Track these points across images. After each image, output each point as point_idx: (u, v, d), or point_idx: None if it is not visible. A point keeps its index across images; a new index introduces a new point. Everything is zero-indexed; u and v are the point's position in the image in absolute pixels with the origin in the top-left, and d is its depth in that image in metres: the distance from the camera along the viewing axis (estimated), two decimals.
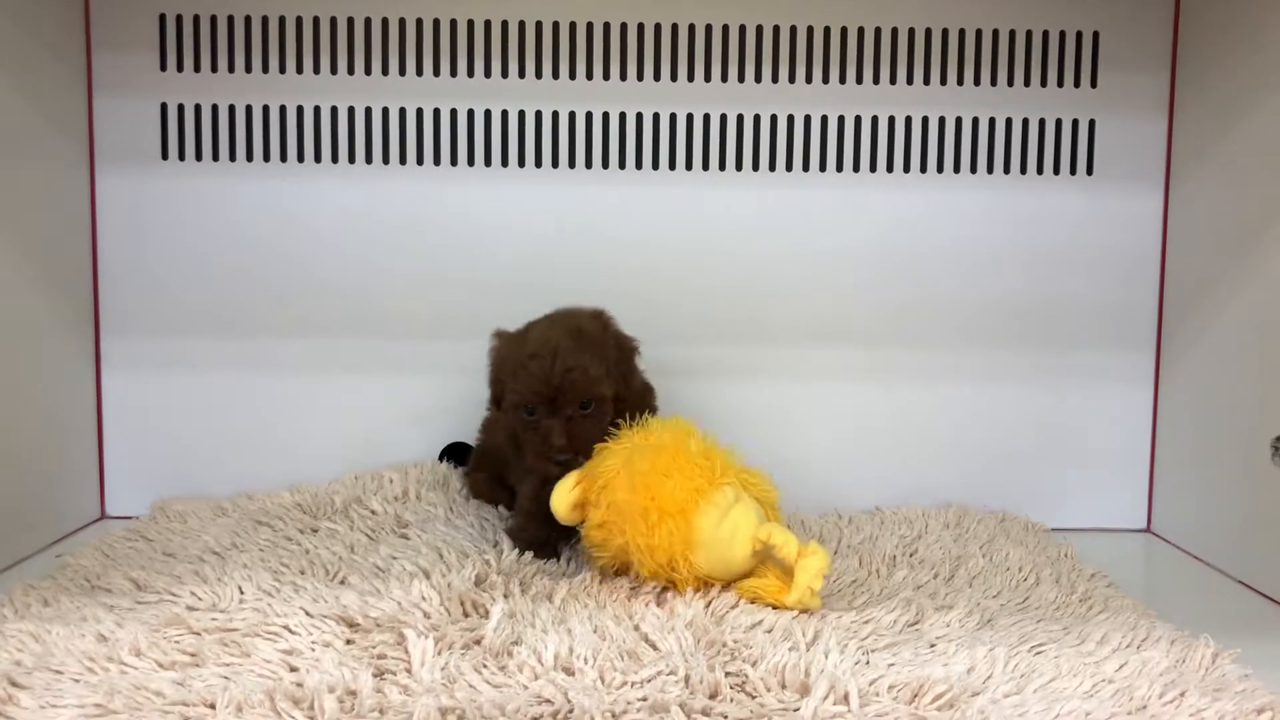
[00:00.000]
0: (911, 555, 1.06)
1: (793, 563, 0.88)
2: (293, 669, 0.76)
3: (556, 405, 0.96)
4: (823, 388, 1.24)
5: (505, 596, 0.89)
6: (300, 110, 1.19)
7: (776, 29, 1.19)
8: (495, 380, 1.02)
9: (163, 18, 1.18)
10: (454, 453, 1.23)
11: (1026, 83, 1.20)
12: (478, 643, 0.80)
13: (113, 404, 1.21)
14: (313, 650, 0.78)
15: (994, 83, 1.20)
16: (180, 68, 1.18)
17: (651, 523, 0.90)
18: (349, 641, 0.80)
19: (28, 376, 1.08)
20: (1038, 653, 0.81)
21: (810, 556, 0.88)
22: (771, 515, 0.95)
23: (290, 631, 0.80)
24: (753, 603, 0.90)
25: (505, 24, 1.19)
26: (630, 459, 0.93)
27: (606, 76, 1.19)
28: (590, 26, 1.19)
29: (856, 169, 1.21)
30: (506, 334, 1.03)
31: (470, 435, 1.21)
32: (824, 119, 1.20)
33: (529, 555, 0.99)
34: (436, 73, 1.19)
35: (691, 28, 1.19)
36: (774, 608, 0.89)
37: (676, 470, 0.91)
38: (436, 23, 1.19)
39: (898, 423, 1.24)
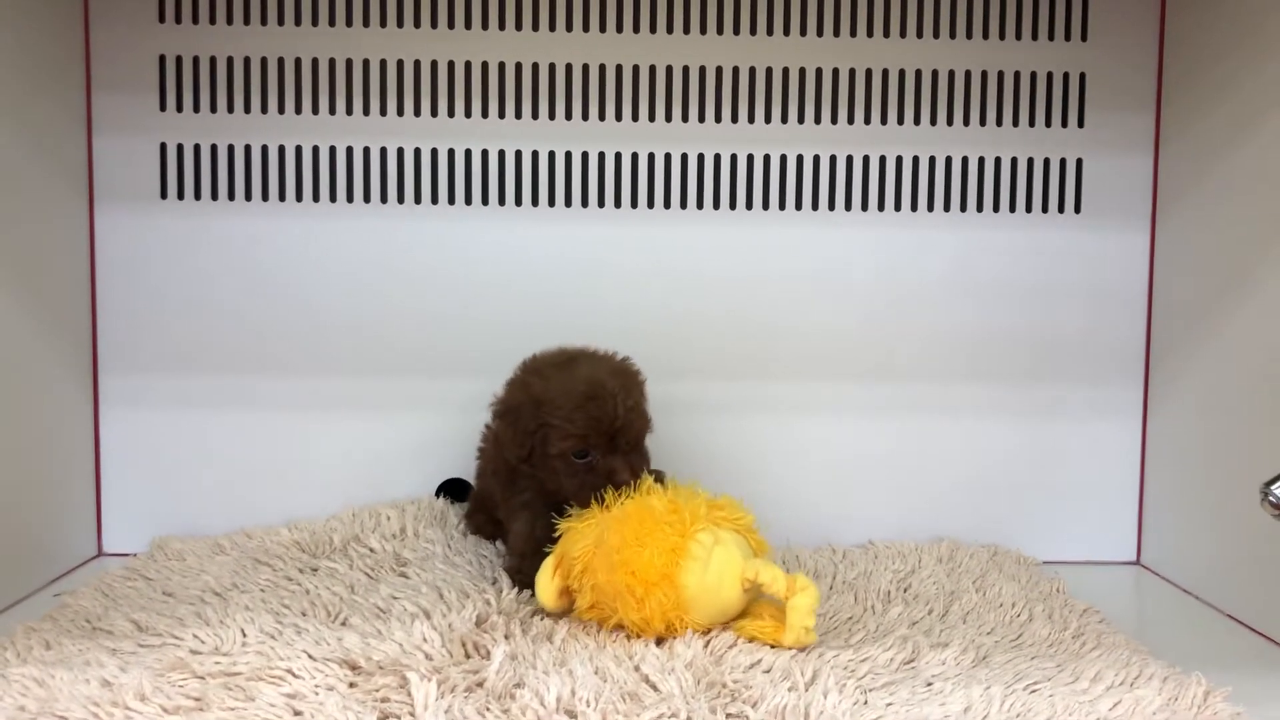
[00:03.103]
0: (905, 591, 1.07)
1: (783, 597, 0.89)
2: (296, 713, 0.76)
3: (615, 444, 0.97)
4: (814, 422, 1.25)
5: (506, 638, 0.89)
6: (299, 150, 1.20)
7: (770, 70, 1.21)
8: (535, 428, 0.98)
9: (162, 59, 1.19)
10: (451, 489, 1.23)
11: (1015, 123, 1.22)
12: (480, 685, 0.80)
13: (111, 441, 1.22)
14: (316, 694, 0.79)
15: (983, 123, 1.22)
16: (180, 108, 1.19)
17: (639, 597, 0.89)
18: (352, 685, 0.80)
19: (26, 414, 1.08)
20: (1033, 691, 0.82)
21: (800, 594, 0.89)
22: (751, 540, 0.96)
23: (294, 675, 0.81)
24: (750, 642, 0.90)
25: (502, 65, 1.20)
26: (601, 537, 0.93)
27: (603, 118, 1.21)
28: (586, 69, 1.21)
29: (849, 208, 1.22)
30: (533, 380, 1.01)
31: (466, 471, 1.21)
32: (816, 159, 1.22)
33: (528, 593, 0.99)
34: (434, 113, 1.21)
35: (689, 70, 1.21)
36: (772, 646, 0.89)
37: (647, 536, 0.91)
38: (434, 65, 1.20)
39: (889, 456, 1.25)
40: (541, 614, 0.96)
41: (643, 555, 0.90)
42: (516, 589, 1.00)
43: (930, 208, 1.23)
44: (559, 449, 0.97)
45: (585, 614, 0.94)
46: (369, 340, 1.22)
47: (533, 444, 0.99)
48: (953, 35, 1.21)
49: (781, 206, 1.22)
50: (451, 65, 1.20)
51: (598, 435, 0.96)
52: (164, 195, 1.20)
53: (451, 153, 1.21)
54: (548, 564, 0.96)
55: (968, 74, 1.21)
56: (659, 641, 0.90)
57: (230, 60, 1.19)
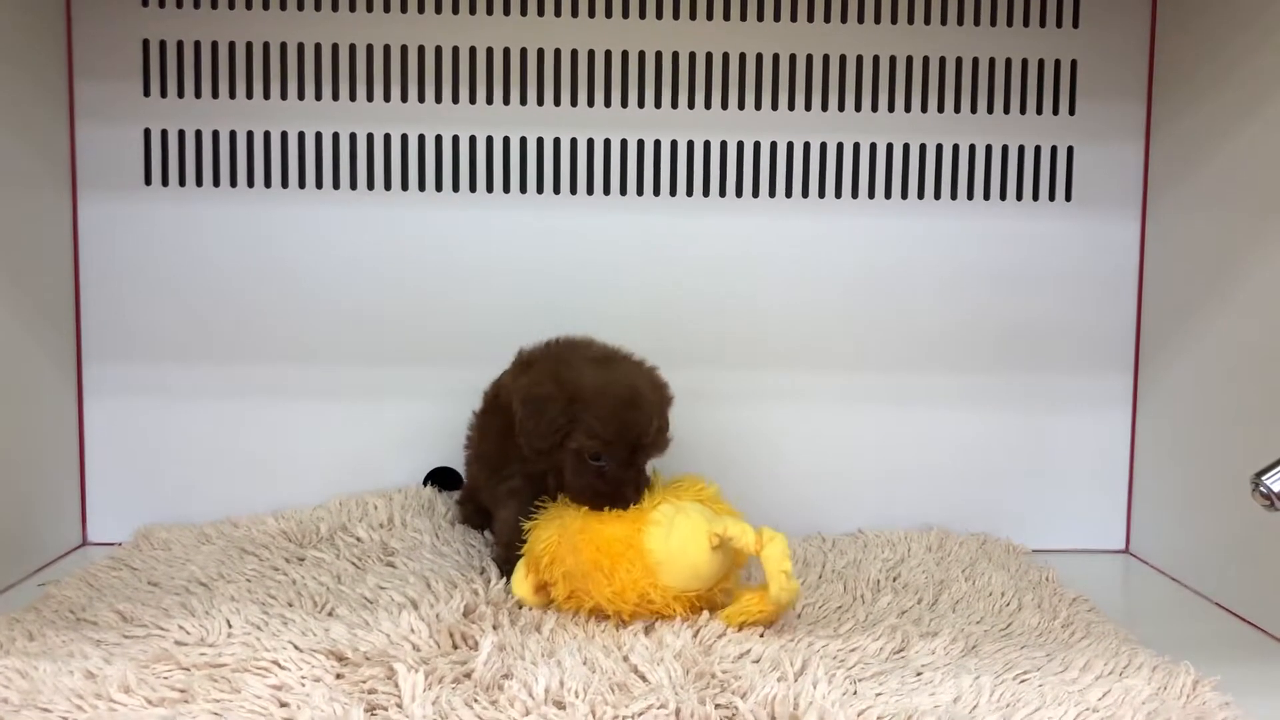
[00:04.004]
0: (895, 580, 1.07)
1: (752, 550, 0.89)
2: (283, 704, 0.76)
3: (634, 459, 0.94)
4: (804, 410, 1.24)
5: (494, 628, 0.89)
6: (284, 136, 1.19)
7: (760, 56, 1.20)
8: (565, 422, 0.94)
9: (146, 44, 1.18)
10: (439, 478, 1.23)
11: (1007, 110, 1.21)
12: (468, 676, 0.80)
13: (95, 429, 1.21)
14: (303, 685, 0.78)
15: (974, 110, 1.21)
16: (164, 94, 1.18)
17: (607, 571, 0.90)
18: (339, 676, 0.80)
19: (9, 402, 1.07)
20: (1022, 681, 0.82)
21: (769, 545, 0.88)
22: (720, 510, 0.96)
23: (280, 666, 0.80)
24: (740, 630, 0.90)
25: (490, 51, 1.19)
26: (563, 525, 0.94)
27: (591, 103, 1.20)
28: (575, 54, 1.20)
29: (839, 195, 1.22)
30: (565, 373, 0.96)
31: (454, 460, 1.21)
32: (806, 145, 1.21)
33: None
34: (421, 99, 1.19)
35: (679, 56, 1.20)
36: (762, 633, 0.89)
37: (608, 514, 0.93)
38: (421, 50, 1.19)
39: (878, 444, 1.25)
40: (529, 605, 0.96)
41: (605, 531, 0.91)
42: (504, 579, 0.99)
43: (920, 195, 1.22)
44: (579, 444, 0.94)
45: (565, 605, 0.94)
46: (357, 328, 1.22)
47: (554, 432, 0.95)
48: (943, 21, 1.20)
49: (771, 194, 1.22)
50: (439, 50, 1.19)
51: (622, 445, 0.93)
52: (148, 182, 1.19)
53: (439, 139, 1.20)
54: (521, 565, 0.96)
55: (958, 60, 1.21)
56: (648, 631, 0.90)
57: (215, 45, 1.18)
